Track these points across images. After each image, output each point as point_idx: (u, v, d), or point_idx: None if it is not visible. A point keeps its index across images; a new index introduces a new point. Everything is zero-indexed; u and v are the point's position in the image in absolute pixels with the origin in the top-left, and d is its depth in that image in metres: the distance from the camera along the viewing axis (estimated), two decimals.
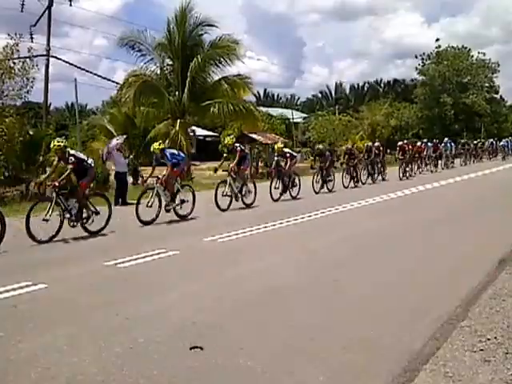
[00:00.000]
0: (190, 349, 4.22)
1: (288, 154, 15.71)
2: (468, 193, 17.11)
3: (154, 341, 4.42)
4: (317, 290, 5.97)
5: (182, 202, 11.73)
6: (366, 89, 68.27)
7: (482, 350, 3.97)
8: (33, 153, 17.71)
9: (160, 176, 11.41)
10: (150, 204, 11.03)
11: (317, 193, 16.67)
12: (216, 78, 25.68)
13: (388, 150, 28.39)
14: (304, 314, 5.12)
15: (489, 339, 4.15)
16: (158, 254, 7.94)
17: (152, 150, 11.76)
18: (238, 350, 4.24)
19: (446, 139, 30.99)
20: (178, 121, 23.82)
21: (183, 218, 11.63)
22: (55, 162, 10.02)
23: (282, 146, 16.88)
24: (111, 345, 4.35)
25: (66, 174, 9.58)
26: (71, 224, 9.68)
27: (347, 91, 70.28)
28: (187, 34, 24.90)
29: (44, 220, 9.10)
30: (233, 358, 4.08)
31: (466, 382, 3.49)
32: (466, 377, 3.57)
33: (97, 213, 9.98)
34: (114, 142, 12.44)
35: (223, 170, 13.72)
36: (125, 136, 13.53)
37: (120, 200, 14.41)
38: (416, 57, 51.55)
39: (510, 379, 3.46)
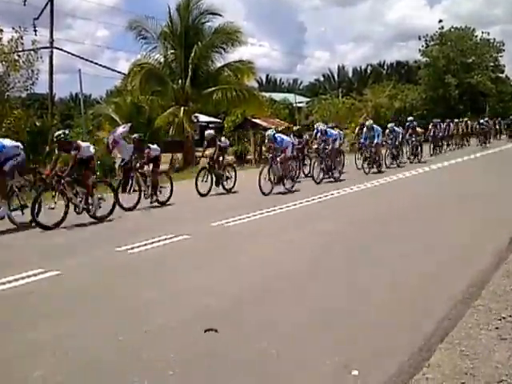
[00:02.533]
0: (205, 331, 4.23)
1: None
2: None
3: (169, 325, 4.45)
4: (329, 275, 5.96)
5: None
6: (368, 71, 67.64)
7: (497, 328, 3.97)
8: (40, 143, 17.81)
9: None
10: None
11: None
12: (218, 64, 25.75)
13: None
14: (317, 297, 5.12)
15: (504, 317, 4.14)
16: (170, 238, 7.99)
17: None
18: (252, 332, 4.26)
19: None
20: (182, 108, 23.87)
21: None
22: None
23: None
24: (127, 330, 4.38)
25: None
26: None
27: (350, 74, 69.80)
28: (190, 22, 24.90)
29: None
30: (248, 340, 4.09)
31: (482, 360, 3.49)
32: (482, 355, 3.56)
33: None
34: (120, 129, 12.37)
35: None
36: (129, 124, 13.45)
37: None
38: (419, 38, 50.92)
39: None
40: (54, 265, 6.52)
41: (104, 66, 40.57)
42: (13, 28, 18.43)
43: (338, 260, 6.54)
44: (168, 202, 12.14)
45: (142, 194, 11.83)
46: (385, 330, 4.21)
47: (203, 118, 32.79)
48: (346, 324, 4.37)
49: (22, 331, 4.49)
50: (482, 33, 50.48)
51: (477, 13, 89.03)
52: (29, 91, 19.96)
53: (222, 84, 24.85)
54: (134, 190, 11.82)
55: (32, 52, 18.76)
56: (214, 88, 24.50)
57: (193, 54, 24.23)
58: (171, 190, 12.29)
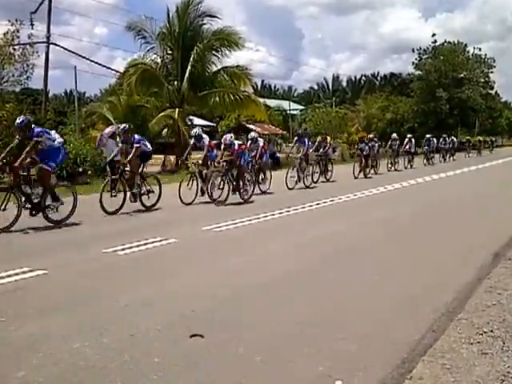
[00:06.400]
0: (191, 337, 4.25)
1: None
2: None
3: (155, 328, 4.45)
4: (317, 280, 6.03)
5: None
6: (362, 82, 68.27)
7: (478, 342, 4.04)
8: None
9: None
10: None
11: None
12: (215, 68, 25.73)
13: (382, 143, 27.72)
14: (302, 305, 5.16)
15: (485, 332, 4.22)
16: (159, 241, 8.04)
17: None
18: (238, 338, 4.28)
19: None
20: (177, 110, 23.85)
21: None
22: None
23: None
24: (112, 332, 4.39)
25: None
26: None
27: (344, 84, 70.37)
28: (188, 24, 24.92)
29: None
30: (233, 346, 4.11)
31: (463, 374, 3.55)
32: (464, 369, 3.62)
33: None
34: (108, 129, 12.48)
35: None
36: (119, 126, 13.37)
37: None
38: (413, 51, 51.48)
39: (506, 371, 3.52)
40: (41, 264, 6.50)
41: (100, 64, 40.41)
42: (9, 21, 18.35)
43: (327, 268, 6.62)
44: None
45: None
46: (371, 341, 4.26)
47: (197, 121, 32.84)
48: (330, 335, 4.39)
49: (5, 331, 4.47)
50: (474, 48, 51.23)
51: (469, 28, 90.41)
52: (23, 86, 19.89)
53: (219, 87, 24.88)
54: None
55: (28, 46, 18.66)
56: (211, 91, 24.53)
57: (191, 56, 24.23)
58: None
